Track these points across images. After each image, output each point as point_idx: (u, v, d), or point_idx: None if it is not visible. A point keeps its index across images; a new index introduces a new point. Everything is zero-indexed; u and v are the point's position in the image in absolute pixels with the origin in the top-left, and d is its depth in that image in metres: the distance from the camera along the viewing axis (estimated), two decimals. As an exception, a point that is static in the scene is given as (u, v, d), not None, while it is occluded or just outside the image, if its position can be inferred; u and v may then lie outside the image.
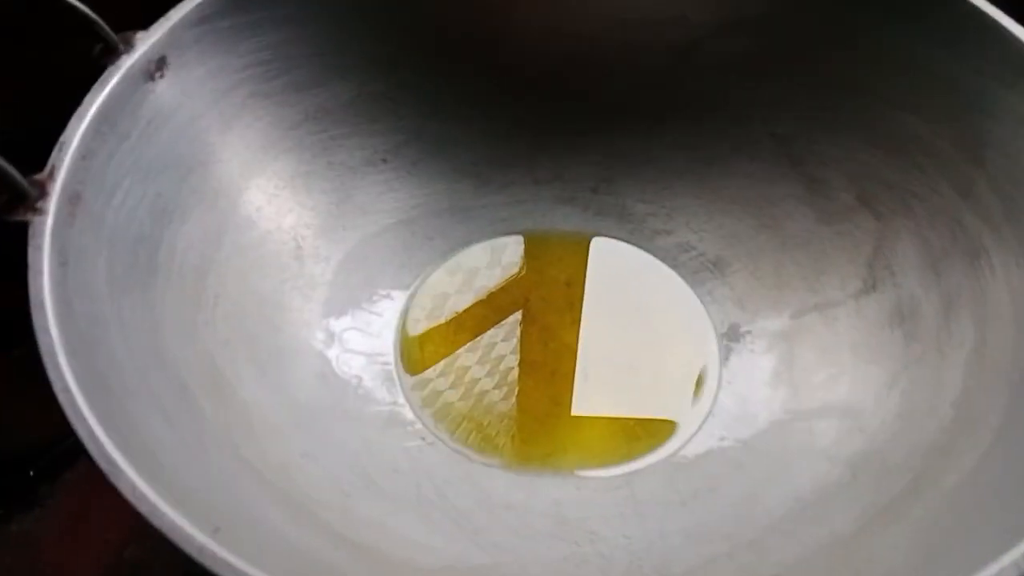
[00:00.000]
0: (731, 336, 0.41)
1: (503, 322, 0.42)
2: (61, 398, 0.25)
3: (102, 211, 0.31)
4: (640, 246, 0.45)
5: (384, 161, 0.44)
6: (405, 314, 0.41)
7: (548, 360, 0.40)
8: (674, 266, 0.44)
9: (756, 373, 0.39)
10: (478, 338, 0.41)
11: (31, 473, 0.44)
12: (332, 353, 0.38)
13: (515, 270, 0.44)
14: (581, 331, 0.41)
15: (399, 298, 0.42)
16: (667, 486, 0.35)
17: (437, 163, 0.45)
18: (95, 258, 0.30)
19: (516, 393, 0.39)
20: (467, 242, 0.44)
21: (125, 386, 0.28)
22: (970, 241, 0.35)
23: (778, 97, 0.41)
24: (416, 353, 0.40)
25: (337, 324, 0.40)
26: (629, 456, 0.37)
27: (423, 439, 0.37)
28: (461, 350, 0.41)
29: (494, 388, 0.39)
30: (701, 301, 0.42)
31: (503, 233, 0.45)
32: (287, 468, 0.31)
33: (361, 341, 0.40)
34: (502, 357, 0.40)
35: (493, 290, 0.43)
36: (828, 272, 0.40)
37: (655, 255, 0.44)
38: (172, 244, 0.34)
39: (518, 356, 0.40)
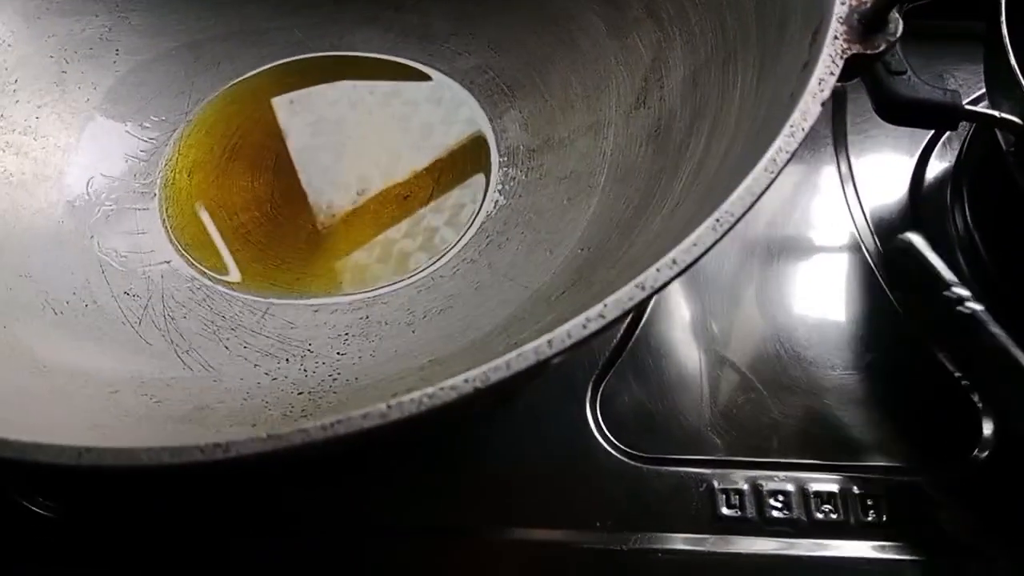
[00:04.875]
0: (510, 160, 0.39)
1: (282, 151, 0.40)
2: None
3: None
4: (439, 68, 0.42)
5: (167, -20, 0.42)
6: (178, 142, 0.40)
7: (315, 190, 0.39)
8: (470, 88, 0.42)
9: (523, 201, 0.37)
10: (249, 168, 0.40)
11: None
12: (87, 178, 0.38)
13: (301, 95, 0.42)
14: (357, 160, 0.40)
15: (174, 125, 0.41)
16: (404, 308, 0.35)
17: (229, -18, 0.42)
18: None
19: (277, 222, 0.38)
20: (255, 67, 0.42)
21: None
22: (726, 45, 0.32)
23: None
24: (183, 181, 0.39)
25: (99, 149, 0.39)
26: (379, 280, 0.36)
27: (169, 263, 0.36)
28: (230, 179, 0.39)
29: (257, 216, 0.38)
30: (491, 126, 0.40)
31: (296, 56, 0.43)
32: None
33: (125, 167, 0.39)
34: (271, 186, 0.39)
35: (271, 117, 0.41)
36: (607, 89, 0.38)
37: (453, 77, 0.42)
38: None
39: (285, 185, 0.39)
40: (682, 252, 0.21)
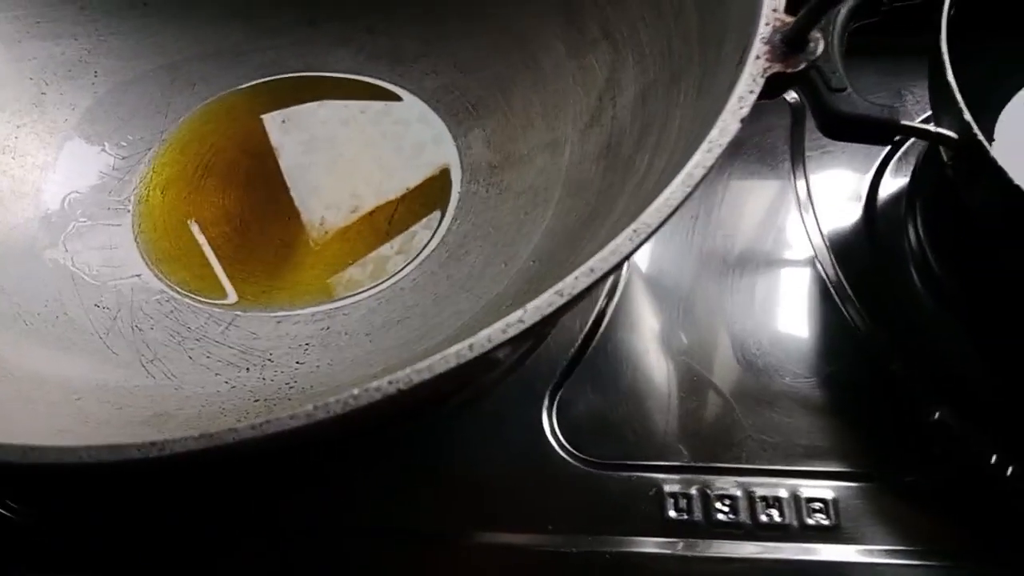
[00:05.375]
0: (472, 177, 0.40)
1: (253, 167, 0.42)
2: None
3: None
4: (408, 88, 0.44)
5: (145, 4, 0.43)
6: (153, 160, 0.41)
7: (286, 206, 0.40)
8: (436, 108, 0.43)
9: (484, 215, 0.38)
10: (221, 185, 0.41)
11: None
12: (63, 195, 0.39)
13: (272, 113, 0.43)
14: (327, 176, 0.41)
15: (149, 144, 0.42)
16: (364, 319, 0.36)
17: (207, 6, 0.44)
18: None
19: (246, 236, 0.39)
20: (230, 87, 0.44)
21: None
22: (672, 65, 0.34)
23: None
24: (156, 198, 0.41)
25: (75, 168, 0.40)
26: (342, 291, 0.37)
27: (139, 276, 0.38)
28: (202, 195, 0.41)
29: (227, 231, 0.40)
30: (455, 144, 0.42)
31: (270, 76, 0.44)
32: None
33: (100, 185, 0.40)
34: (241, 202, 0.41)
35: (244, 135, 0.42)
36: (565, 108, 0.39)
37: (420, 97, 0.43)
38: None
39: (255, 200, 0.40)
40: (599, 260, 0.22)
